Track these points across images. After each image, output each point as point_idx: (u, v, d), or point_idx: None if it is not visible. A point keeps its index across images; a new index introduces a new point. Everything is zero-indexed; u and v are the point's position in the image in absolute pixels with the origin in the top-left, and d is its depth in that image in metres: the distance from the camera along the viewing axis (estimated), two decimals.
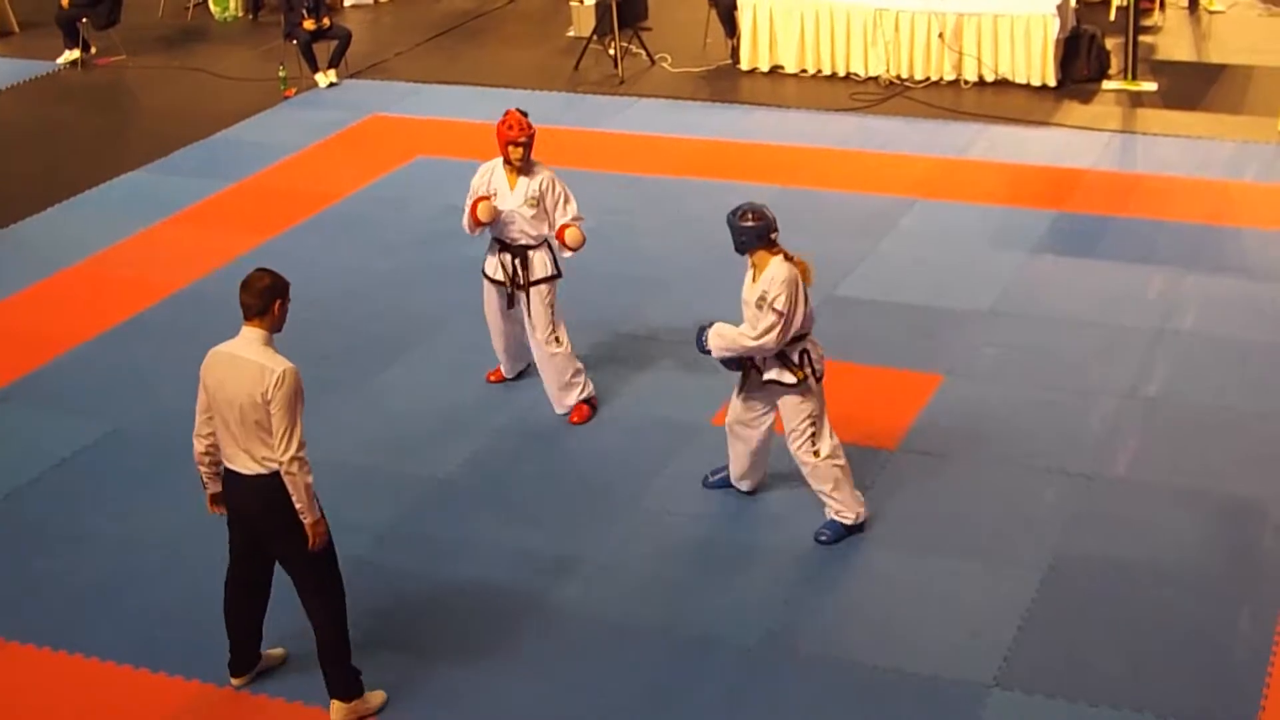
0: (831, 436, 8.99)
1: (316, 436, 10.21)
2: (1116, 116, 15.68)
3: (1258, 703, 7.61)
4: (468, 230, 10.11)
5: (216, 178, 14.84)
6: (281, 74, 17.35)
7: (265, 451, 7.30)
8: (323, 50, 17.55)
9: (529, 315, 10.21)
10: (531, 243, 10.10)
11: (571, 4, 18.91)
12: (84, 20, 18.54)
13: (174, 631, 8.43)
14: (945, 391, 10.53)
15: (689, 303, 11.61)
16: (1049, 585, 8.54)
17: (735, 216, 8.70)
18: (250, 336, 7.40)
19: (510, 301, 10.27)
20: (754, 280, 8.74)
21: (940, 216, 13.31)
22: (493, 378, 10.83)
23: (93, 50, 18.88)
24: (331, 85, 17.50)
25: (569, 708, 7.81)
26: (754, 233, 8.66)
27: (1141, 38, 16.89)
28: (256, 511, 7.46)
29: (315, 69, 17.50)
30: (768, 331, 8.61)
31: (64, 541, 9.30)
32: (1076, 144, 14.96)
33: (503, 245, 10.16)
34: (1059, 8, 16.31)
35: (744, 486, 9.50)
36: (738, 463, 9.37)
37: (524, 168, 9.98)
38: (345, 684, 7.71)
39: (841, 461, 8.99)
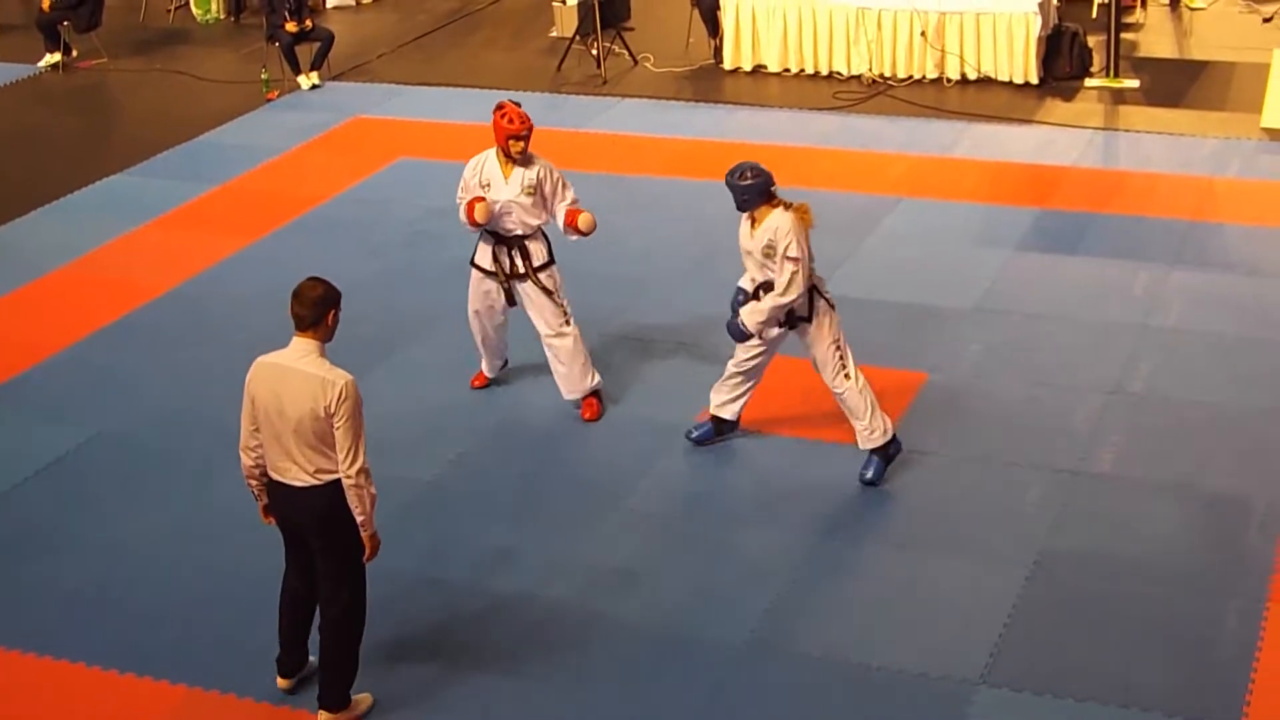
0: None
1: None
2: (1099, 114, 15.71)
3: (1243, 698, 7.63)
4: (469, 227, 10.05)
5: (199, 181, 14.82)
6: (264, 76, 17.33)
7: (322, 463, 7.23)
8: (305, 52, 17.54)
9: (534, 304, 10.15)
10: (528, 232, 10.06)
11: (554, 4, 18.91)
12: (65, 23, 18.51)
13: (161, 636, 8.41)
14: (930, 389, 10.54)
15: (673, 302, 11.62)
16: (1035, 582, 8.55)
17: (735, 177, 9.08)
18: (304, 348, 7.26)
19: (510, 298, 10.23)
20: (752, 232, 9.17)
21: (924, 215, 13.33)
22: (477, 383, 10.79)
23: (74, 53, 18.85)
24: (314, 87, 17.48)
25: (555, 709, 7.80)
26: (755, 189, 9.07)
27: (1123, 35, 16.92)
28: (306, 522, 7.40)
29: (297, 71, 17.48)
30: (791, 281, 9.02)
31: (49, 547, 9.27)
32: (1059, 141, 14.99)
33: (497, 238, 10.12)
34: (1040, 5, 16.34)
35: (729, 414, 9.92)
36: (722, 393, 9.83)
37: (521, 159, 9.95)
38: (338, 695, 7.66)
39: (865, 383, 9.38)
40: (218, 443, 10.24)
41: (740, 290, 9.53)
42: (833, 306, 9.33)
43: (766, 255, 9.10)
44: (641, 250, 12.76)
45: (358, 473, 7.19)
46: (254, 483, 7.56)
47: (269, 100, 17.14)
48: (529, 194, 9.93)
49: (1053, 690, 7.74)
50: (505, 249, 10.11)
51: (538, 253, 10.12)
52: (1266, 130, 14.92)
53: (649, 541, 9.05)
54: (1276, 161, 14.28)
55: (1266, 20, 18.32)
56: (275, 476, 7.38)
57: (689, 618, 8.39)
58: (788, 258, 8.99)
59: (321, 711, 7.67)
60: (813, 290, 9.24)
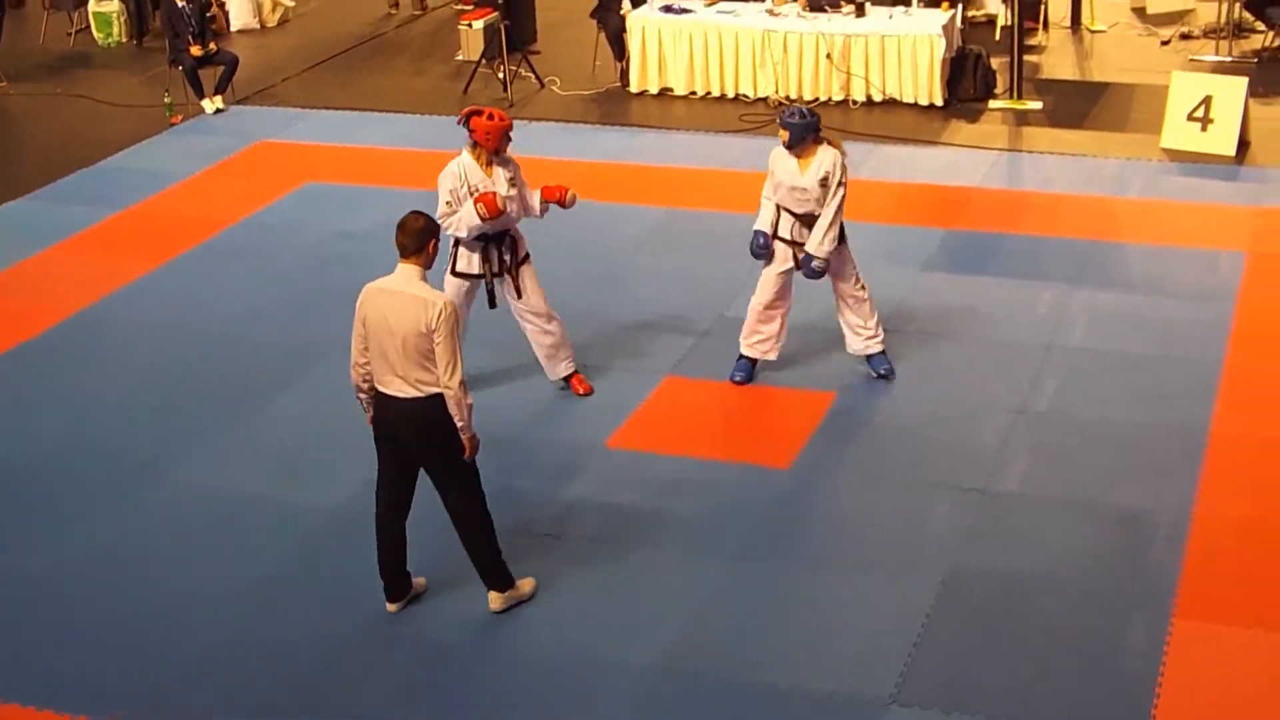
0: None
1: (208, 467, 10.17)
2: (1003, 135, 15.85)
3: (1149, 710, 7.69)
4: (479, 222, 10.06)
5: (103, 205, 14.66)
6: (167, 100, 17.19)
7: (422, 376, 8.04)
8: (209, 76, 17.41)
9: (522, 293, 10.51)
10: (514, 224, 10.43)
11: (460, 28, 18.89)
12: None
13: (59, 666, 8.29)
14: (838, 409, 10.58)
15: (577, 324, 11.58)
16: (944, 600, 8.59)
17: (791, 117, 10.29)
18: (409, 273, 8.10)
19: (491, 298, 10.50)
20: (803, 171, 10.37)
21: None
22: None
23: None
24: (218, 111, 17.35)
25: None
26: (811, 127, 10.30)
27: (1026, 57, 17.09)
28: (412, 431, 8.18)
29: (201, 95, 17.34)
30: (842, 203, 10.39)
31: None
32: (964, 163, 15.10)
33: (485, 238, 10.30)
34: (945, 28, 16.49)
35: (773, 356, 10.94)
36: (755, 339, 10.84)
37: (500, 157, 10.24)
38: (499, 576, 8.56)
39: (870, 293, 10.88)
40: (117, 470, 10.15)
41: (760, 234, 10.58)
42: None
43: (823, 186, 10.30)
44: (547, 272, 12.68)
45: (459, 385, 8.03)
46: (363, 396, 8.40)
47: (172, 124, 16.99)
48: (514, 187, 10.26)
49: (962, 707, 7.77)
50: (495, 247, 10.34)
51: (523, 244, 10.52)
52: (1166, 151, 15.11)
53: (554, 566, 9.00)
54: (1176, 182, 14.47)
55: (1165, 43, 18.57)
56: (381, 389, 8.20)
57: (599, 640, 8.37)
58: (841, 184, 10.33)
59: (491, 592, 8.58)
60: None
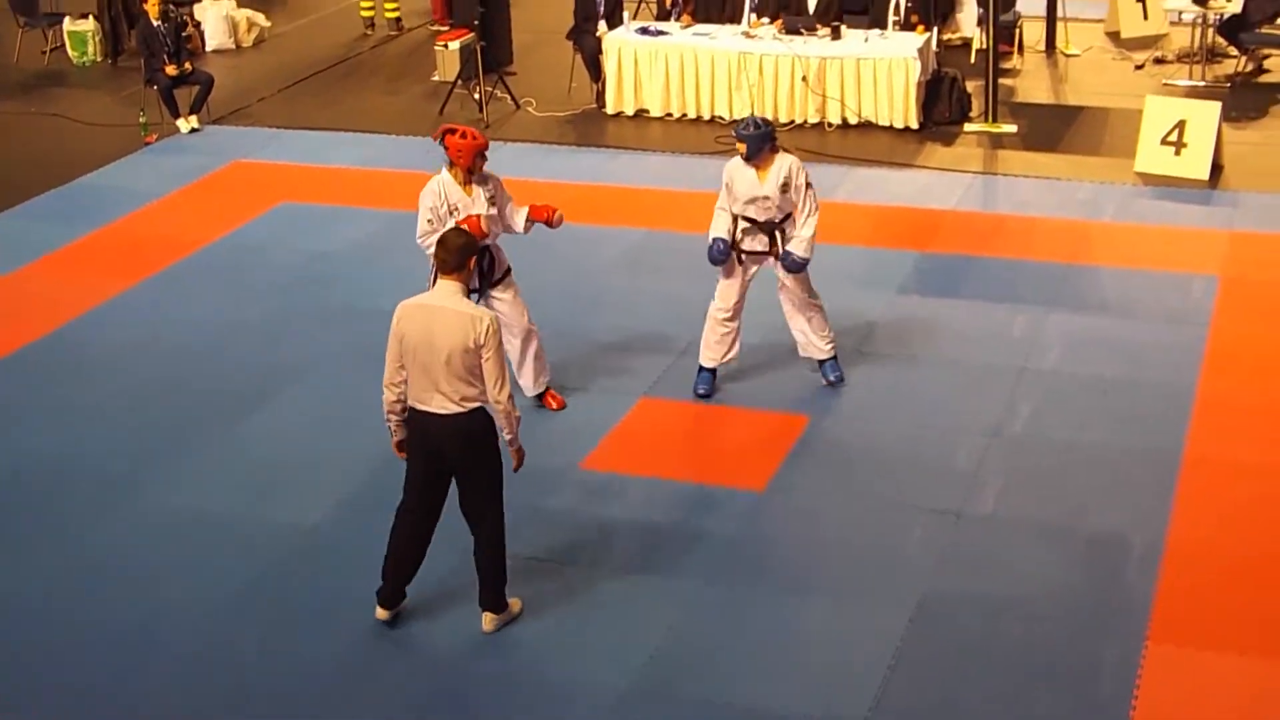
0: None
1: (187, 484, 10.14)
2: (978, 158, 15.89)
3: None
4: None
5: (78, 224, 14.63)
6: (142, 119, 17.16)
7: (467, 391, 8.11)
8: (184, 95, 17.39)
9: (510, 307, 10.60)
10: (493, 240, 10.45)
11: (436, 48, 18.89)
12: None
13: (38, 679, 8.26)
14: (812, 432, 10.58)
15: (554, 344, 11.58)
16: (918, 623, 8.59)
17: (746, 129, 10.45)
18: (450, 289, 8.16)
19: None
20: (762, 181, 10.53)
21: None
22: None
23: None
24: (193, 131, 17.34)
25: None
26: (767, 137, 10.45)
27: (1001, 80, 17.15)
28: (457, 445, 8.21)
29: (177, 114, 17.32)
30: (816, 202, 10.61)
31: None
32: (939, 185, 15.14)
33: None
34: (920, 51, 16.53)
35: (734, 360, 11.14)
36: (722, 345, 10.98)
37: (479, 175, 10.30)
38: (498, 598, 8.60)
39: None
40: (96, 486, 10.12)
41: (718, 240, 10.67)
42: None
43: (784, 192, 10.49)
44: (525, 295, 12.71)
45: (508, 398, 8.17)
46: (394, 418, 8.39)
47: (147, 143, 16.97)
48: (493, 205, 10.30)
49: None
50: (477, 263, 10.28)
51: (502, 259, 10.57)
52: (1140, 175, 15.16)
53: (530, 587, 8.98)
54: (1149, 205, 14.52)
55: (1139, 67, 18.64)
56: (420, 407, 8.19)
57: (572, 663, 8.36)
58: (809, 185, 10.53)
59: (486, 613, 8.60)
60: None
